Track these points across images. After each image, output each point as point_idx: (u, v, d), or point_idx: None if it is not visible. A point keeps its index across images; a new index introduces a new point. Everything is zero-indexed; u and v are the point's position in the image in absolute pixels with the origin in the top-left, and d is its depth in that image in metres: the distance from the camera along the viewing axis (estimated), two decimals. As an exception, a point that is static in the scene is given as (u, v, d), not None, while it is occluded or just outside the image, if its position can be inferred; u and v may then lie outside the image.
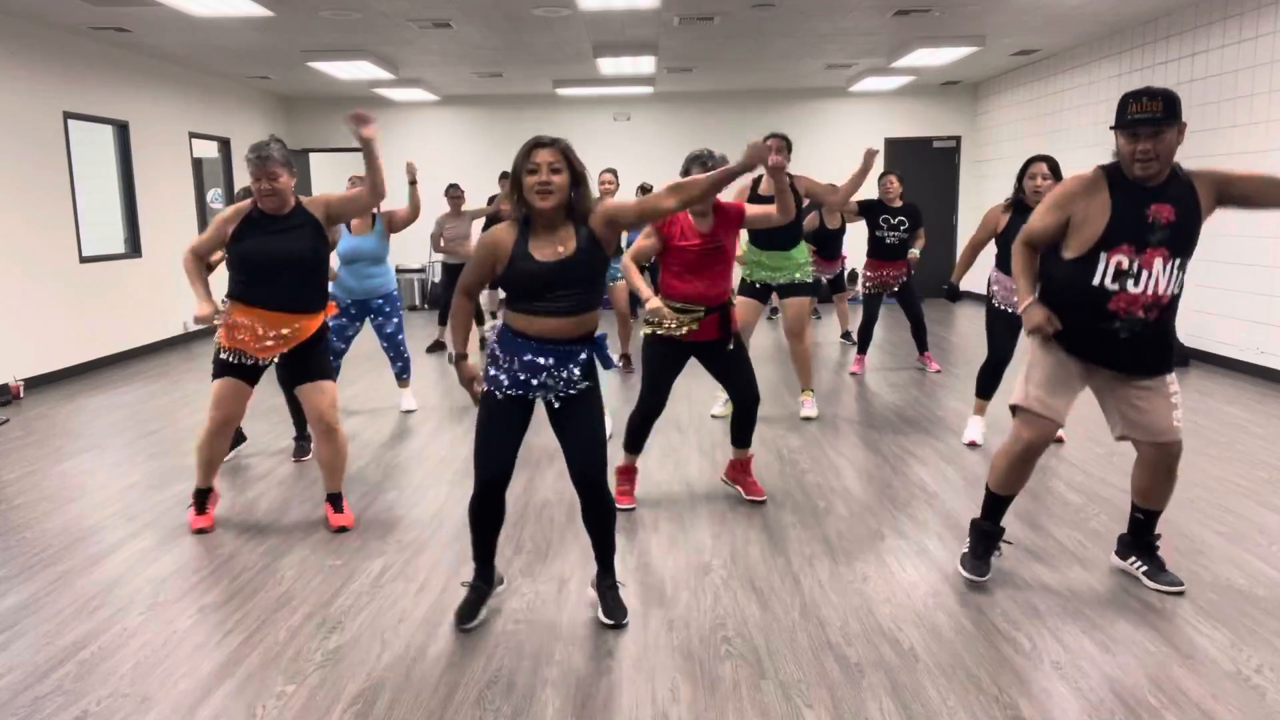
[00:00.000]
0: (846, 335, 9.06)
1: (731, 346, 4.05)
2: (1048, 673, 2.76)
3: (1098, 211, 3.02)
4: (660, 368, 4.08)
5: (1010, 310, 4.97)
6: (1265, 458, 4.94)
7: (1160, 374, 3.14)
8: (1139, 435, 3.20)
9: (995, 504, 3.39)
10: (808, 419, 5.90)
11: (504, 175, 9.07)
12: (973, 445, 5.24)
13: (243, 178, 10.25)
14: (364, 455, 5.32)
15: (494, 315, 9.39)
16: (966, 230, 11.97)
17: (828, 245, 8.51)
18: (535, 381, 2.91)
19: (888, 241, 7.20)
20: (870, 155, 5.17)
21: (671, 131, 12.78)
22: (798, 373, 6.03)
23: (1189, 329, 7.86)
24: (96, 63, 8.53)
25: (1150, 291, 3.00)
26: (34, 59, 7.66)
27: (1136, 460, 3.31)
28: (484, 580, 3.19)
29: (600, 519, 3.08)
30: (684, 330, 3.96)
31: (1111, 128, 3.04)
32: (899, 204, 7.24)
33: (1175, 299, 3.07)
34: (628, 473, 4.35)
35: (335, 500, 4.17)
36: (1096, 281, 3.03)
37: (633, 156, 12.72)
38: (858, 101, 12.81)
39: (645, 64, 9.86)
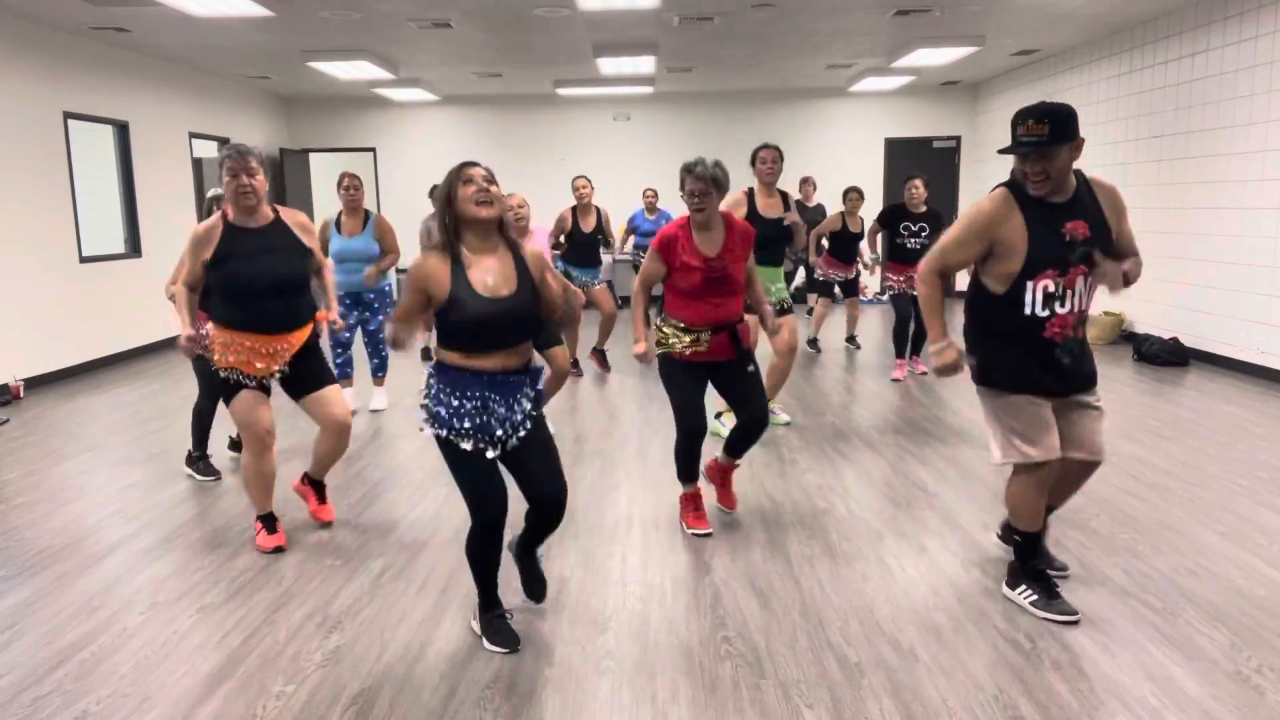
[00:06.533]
0: (851, 340, 8.89)
1: (751, 368, 3.87)
2: (1048, 673, 2.76)
3: (1016, 238, 2.95)
4: (680, 386, 3.88)
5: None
6: (1265, 458, 4.94)
7: (1094, 385, 3.14)
8: (1075, 452, 3.12)
9: (1031, 542, 3.21)
10: (788, 424, 5.83)
11: (434, 188, 9.07)
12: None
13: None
14: (364, 455, 5.32)
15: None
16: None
17: (843, 248, 8.36)
18: (491, 421, 2.79)
19: (909, 247, 7.12)
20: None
21: (671, 131, 12.78)
22: (767, 384, 5.65)
23: (1189, 329, 7.86)
24: (96, 63, 8.53)
25: (1076, 310, 2.99)
26: (34, 59, 7.66)
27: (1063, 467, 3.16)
28: (499, 604, 3.06)
29: (552, 526, 3.06)
30: (689, 351, 3.81)
31: (999, 151, 3.02)
32: (922, 209, 7.15)
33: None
34: (694, 499, 4.08)
35: (321, 489, 4.20)
36: (1028, 311, 2.97)
37: (633, 156, 12.73)
38: (858, 101, 12.81)
39: (645, 64, 9.86)
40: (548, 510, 2.98)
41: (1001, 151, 2.97)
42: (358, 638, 3.06)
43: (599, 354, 7.84)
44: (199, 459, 4.92)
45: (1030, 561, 3.21)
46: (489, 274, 2.78)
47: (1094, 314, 9.02)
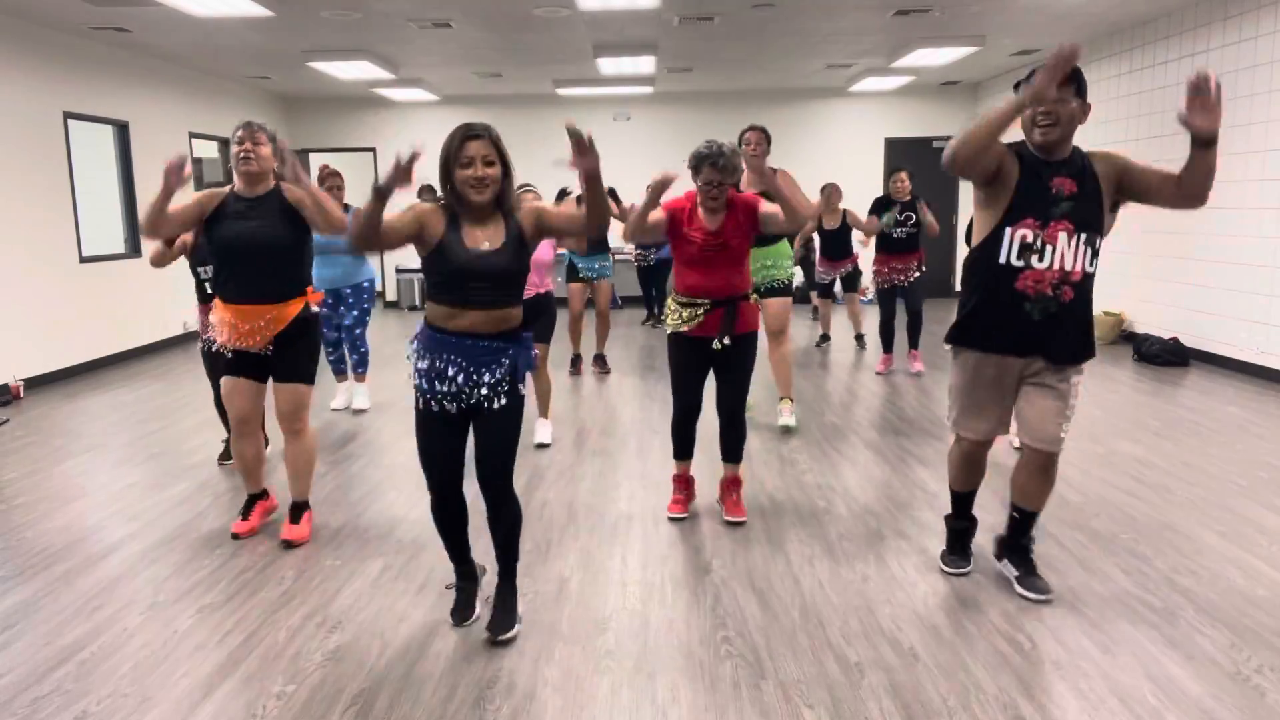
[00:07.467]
0: (860, 339, 8.85)
1: (722, 344, 3.84)
2: (1048, 673, 2.76)
3: (1009, 178, 3.00)
4: (678, 365, 3.98)
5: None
6: (1265, 458, 4.94)
7: (1072, 363, 3.07)
8: (1025, 435, 3.14)
9: (955, 500, 3.52)
10: (787, 428, 5.64)
11: (423, 190, 9.10)
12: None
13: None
14: (365, 454, 5.32)
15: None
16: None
17: (830, 244, 8.45)
18: (450, 389, 2.87)
19: (894, 236, 7.27)
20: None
21: (671, 131, 12.77)
22: (775, 379, 5.78)
23: (1189, 329, 7.86)
24: (96, 63, 8.53)
25: (1056, 267, 2.95)
26: (34, 59, 7.66)
27: (1019, 458, 3.30)
28: (467, 578, 3.21)
29: (503, 525, 3.00)
30: (687, 326, 3.89)
31: (1014, 85, 2.93)
32: (906, 199, 7.28)
33: (1089, 278, 3.01)
34: (679, 481, 4.23)
35: (296, 511, 3.98)
36: (1003, 259, 3.00)
37: (633, 156, 12.71)
38: (857, 101, 12.81)
39: (645, 64, 9.86)
40: (488, 494, 2.97)
41: (1017, 85, 2.90)
42: (358, 638, 3.06)
43: (599, 359, 7.83)
44: (228, 440, 5.09)
45: (952, 520, 3.55)
46: (479, 233, 2.86)
47: (1095, 314, 9.00)
